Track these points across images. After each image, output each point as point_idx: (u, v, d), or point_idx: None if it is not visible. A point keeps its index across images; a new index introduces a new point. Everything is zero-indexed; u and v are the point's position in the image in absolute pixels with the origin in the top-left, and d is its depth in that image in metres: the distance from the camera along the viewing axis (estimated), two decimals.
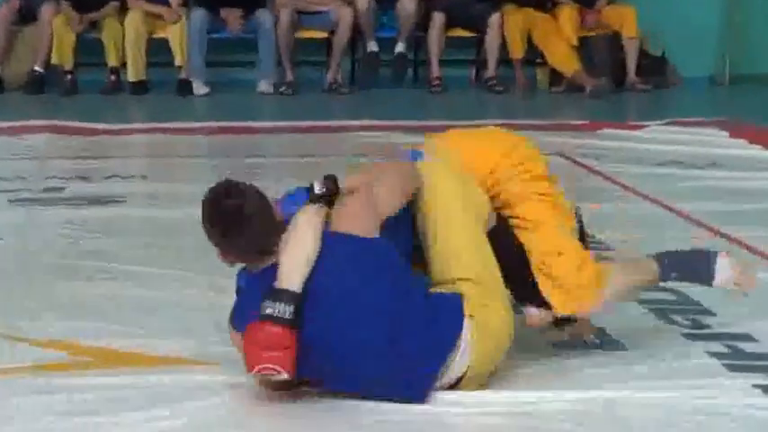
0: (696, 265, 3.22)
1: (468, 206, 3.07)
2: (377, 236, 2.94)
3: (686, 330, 3.53)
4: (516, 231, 3.15)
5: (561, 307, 3.11)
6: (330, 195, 2.97)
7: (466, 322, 2.95)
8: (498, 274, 3.07)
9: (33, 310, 3.72)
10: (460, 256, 3.00)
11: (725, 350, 3.35)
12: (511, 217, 3.17)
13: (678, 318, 3.64)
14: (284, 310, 2.77)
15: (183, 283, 4.00)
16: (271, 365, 2.75)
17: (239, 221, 2.88)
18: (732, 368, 3.21)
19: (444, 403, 2.93)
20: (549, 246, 3.10)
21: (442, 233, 3.02)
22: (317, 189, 2.97)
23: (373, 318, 2.84)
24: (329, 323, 2.83)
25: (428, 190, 3.05)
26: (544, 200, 3.17)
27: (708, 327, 3.56)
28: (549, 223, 3.13)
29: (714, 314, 3.67)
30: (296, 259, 2.83)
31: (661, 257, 3.24)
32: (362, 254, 2.90)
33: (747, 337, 3.45)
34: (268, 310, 2.77)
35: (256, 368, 2.78)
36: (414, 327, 2.88)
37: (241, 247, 2.93)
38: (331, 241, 2.89)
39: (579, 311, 3.13)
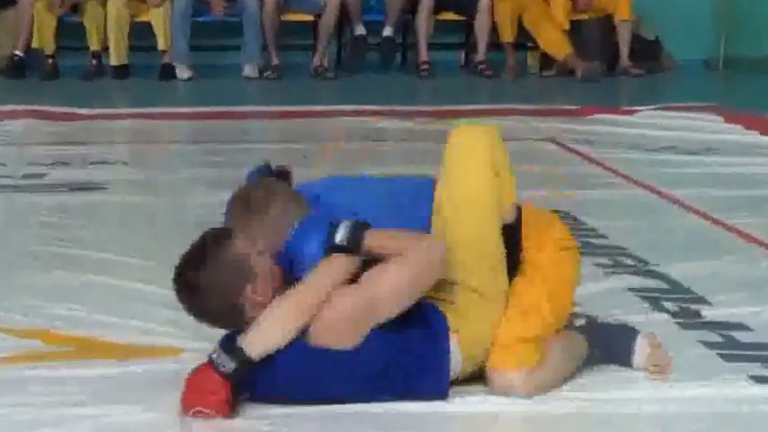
0: (616, 345, 3.05)
1: (494, 202, 2.84)
2: (356, 344, 2.67)
3: (679, 319, 3.46)
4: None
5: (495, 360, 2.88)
6: (351, 249, 2.68)
7: (452, 340, 2.80)
8: (505, 277, 2.88)
9: (10, 297, 3.66)
10: (467, 255, 2.80)
11: (719, 340, 3.30)
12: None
13: (670, 306, 3.58)
14: (228, 365, 2.64)
15: (165, 272, 3.88)
16: (204, 409, 2.68)
17: (194, 295, 2.73)
18: (726, 358, 3.16)
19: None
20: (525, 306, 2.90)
21: (457, 220, 2.81)
22: (339, 238, 2.69)
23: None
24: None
25: (459, 164, 2.80)
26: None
27: (701, 316, 3.50)
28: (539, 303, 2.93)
29: (708, 303, 3.60)
30: (271, 333, 2.65)
31: (585, 332, 3.06)
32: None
33: (742, 327, 3.39)
34: (213, 356, 2.66)
35: (190, 411, 2.70)
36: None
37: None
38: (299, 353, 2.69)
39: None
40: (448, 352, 2.78)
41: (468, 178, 2.81)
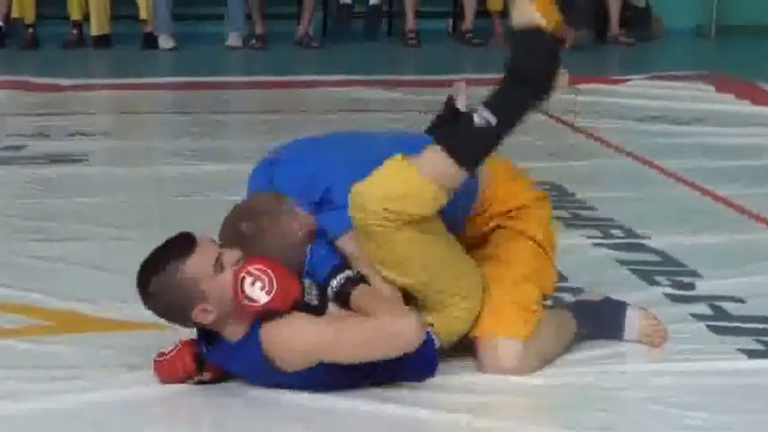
0: (605, 320, 3.01)
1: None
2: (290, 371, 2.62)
3: (670, 291, 3.42)
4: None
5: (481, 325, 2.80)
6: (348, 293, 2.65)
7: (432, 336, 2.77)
8: (474, 277, 2.80)
9: None
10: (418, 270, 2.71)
11: (710, 312, 3.26)
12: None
13: (662, 279, 3.53)
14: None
15: (146, 244, 3.83)
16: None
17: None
18: (717, 331, 3.12)
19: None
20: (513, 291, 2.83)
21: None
22: (336, 284, 2.65)
23: None
24: None
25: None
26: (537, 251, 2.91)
27: (692, 288, 3.46)
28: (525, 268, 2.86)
29: (699, 275, 3.57)
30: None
31: (573, 311, 3.00)
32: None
33: (733, 299, 3.35)
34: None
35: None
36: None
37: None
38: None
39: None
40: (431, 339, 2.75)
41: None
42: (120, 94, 7.09)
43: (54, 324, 3.20)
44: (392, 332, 2.58)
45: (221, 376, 2.74)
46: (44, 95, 6.90)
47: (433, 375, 2.76)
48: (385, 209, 2.55)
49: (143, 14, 8.86)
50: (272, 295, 2.55)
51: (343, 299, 2.65)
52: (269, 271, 2.57)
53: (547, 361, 2.84)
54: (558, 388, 2.76)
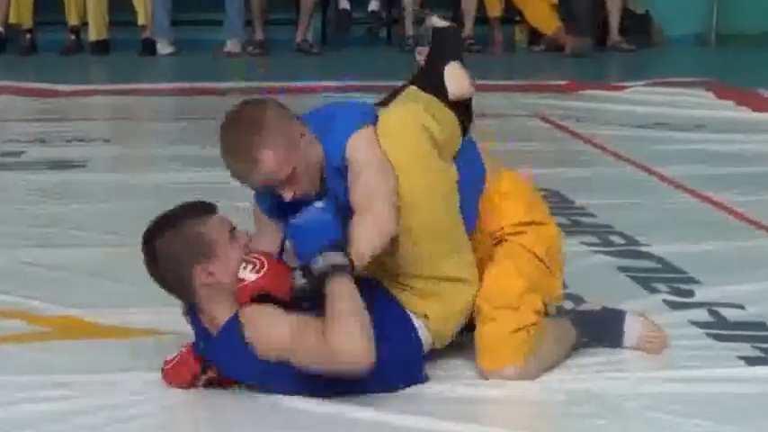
0: (605, 328, 3.00)
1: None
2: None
3: (669, 298, 3.42)
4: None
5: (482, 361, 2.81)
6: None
7: (417, 323, 2.75)
8: (470, 255, 2.80)
9: None
10: (425, 242, 2.71)
11: (709, 319, 3.25)
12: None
13: (661, 286, 3.53)
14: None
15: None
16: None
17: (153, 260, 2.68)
18: (717, 338, 3.11)
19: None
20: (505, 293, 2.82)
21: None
22: (320, 265, 2.53)
23: None
24: None
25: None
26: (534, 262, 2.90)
27: (691, 295, 3.45)
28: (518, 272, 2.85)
29: (699, 282, 3.56)
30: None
31: (572, 321, 3.00)
32: None
33: (732, 306, 3.34)
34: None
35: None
36: None
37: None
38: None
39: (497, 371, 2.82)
40: (418, 340, 2.73)
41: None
42: (118, 99, 7.10)
43: (52, 330, 3.19)
44: (341, 350, 2.50)
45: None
46: (42, 101, 6.91)
47: (421, 381, 2.74)
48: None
49: (141, 20, 8.88)
50: (261, 273, 2.55)
51: (318, 284, 2.56)
52: (263, 258, 2.57)
53: (546, 369, 2.84)
54: (557, 394, 2.75)
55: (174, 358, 2.75)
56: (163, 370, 2.76)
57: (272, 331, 2.57)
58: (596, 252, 3.87)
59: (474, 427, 2.57)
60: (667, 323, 3.12)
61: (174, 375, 2.73)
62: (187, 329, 2.94)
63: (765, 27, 9.60)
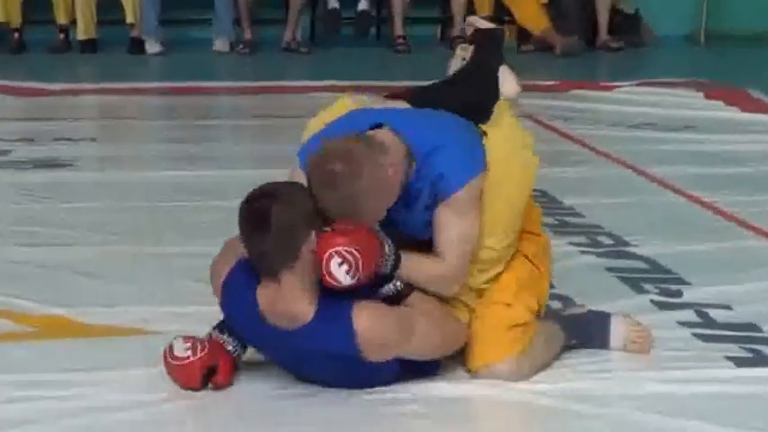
0: (591, 330, 3.02)
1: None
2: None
3: (657, 298, 3.42)
4: None
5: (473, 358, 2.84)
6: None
7: None
8: None
9: None
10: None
11: (697, 320, 3.25)
12: None
13: (649, 286, 3.53)
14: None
15: (132, 249, 3.90)
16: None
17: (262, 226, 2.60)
18: (704, 338, 3.12)
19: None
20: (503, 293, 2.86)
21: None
22: (389, 288, 2.71)
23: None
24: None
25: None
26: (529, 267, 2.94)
27: (680, 295, 3.45)
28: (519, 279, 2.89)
29: (686, 282, 3.56)
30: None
31: (560, 320, 3.02)
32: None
33: (720, 306, 3.34)
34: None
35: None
36: None
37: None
38: None
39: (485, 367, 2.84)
40: None
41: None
42: (106, 98, 7.08)
43: (39, 329, 3.19)
44: (458, 333, 2.75)
45: (232, 376, 2.75)
46: (30, 100, 6.89)
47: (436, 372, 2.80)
48: None
49: (130, 18, 8.83)
50: (355, 279, 2.58)
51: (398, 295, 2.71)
52: (356, 253, 2.56)
53: (538, 370, 2.85)
54: (545, 395, 2.75)
55: (186, 357, 2.71)
56: (169, 365, 2.72)
57: (389, 333, 2.65)
58: (585, 252, 3.87)
59: (461, 427, 2.57)
60: (655, 324, 3.12)
61: (179, 373, 2.71)
62: (172, 328, 2.96)
63: (755, 27, 9.60)
